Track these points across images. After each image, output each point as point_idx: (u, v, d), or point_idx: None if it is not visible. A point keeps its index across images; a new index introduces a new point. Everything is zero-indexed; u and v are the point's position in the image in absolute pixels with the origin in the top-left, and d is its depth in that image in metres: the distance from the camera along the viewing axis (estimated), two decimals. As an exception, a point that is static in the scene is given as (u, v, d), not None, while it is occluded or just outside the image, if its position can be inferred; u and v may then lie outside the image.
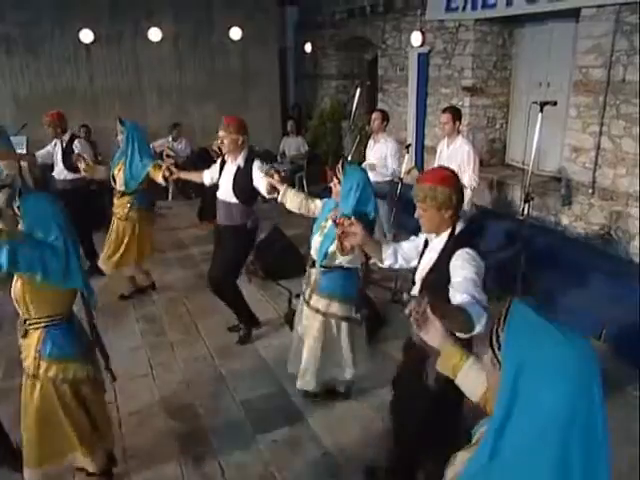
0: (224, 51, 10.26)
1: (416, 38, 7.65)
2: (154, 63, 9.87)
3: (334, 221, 2.73)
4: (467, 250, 2.23)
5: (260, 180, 3.92)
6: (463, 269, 2.16)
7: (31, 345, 2.62)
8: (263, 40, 10.52)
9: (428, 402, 2.41)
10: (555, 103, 4.11)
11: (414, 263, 2.60)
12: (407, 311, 1.66)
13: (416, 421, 2.53)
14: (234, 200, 4.12)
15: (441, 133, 4.94)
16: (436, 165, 4.93)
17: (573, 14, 5.58)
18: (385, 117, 5.41)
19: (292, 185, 8.37)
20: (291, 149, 8.83)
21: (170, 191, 8.91)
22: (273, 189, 3.69)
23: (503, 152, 7.36)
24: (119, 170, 4.97)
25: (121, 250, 5.07)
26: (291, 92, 12.15)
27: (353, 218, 2.64)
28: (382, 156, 5.28)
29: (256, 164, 4.04)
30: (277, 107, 10.94)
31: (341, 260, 3.24)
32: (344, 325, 3.39)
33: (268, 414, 3.61)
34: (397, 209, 5.27)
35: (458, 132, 4.75)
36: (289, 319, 4.77)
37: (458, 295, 2.06)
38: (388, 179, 5.24)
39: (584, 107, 5.39)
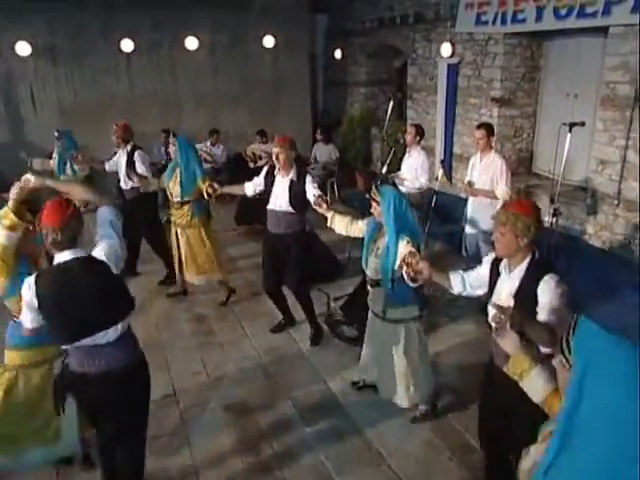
0: (257, 58, 10.64)
1: (446, 49, 7.91)
2: (190, 70, 10.30)
3: (404, 262, 2.97)
4: (552, 275, 2.44)
5: (311, 195, 4.37)
6: (551, 292, 2.40)
7: None
8: (295, 47, 10.86)
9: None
10: (583, 124, 4.37)
11: (480, 292, 2.86)
12: (491, 319, 1.92)
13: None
14: (291, 210, 4.50)
15: (475, 147, 5.21)
16: (468, 177, 5.24)
17: (601, 29, 5.78)
18: (418, 132, 5.71)
19: (324, 190, 8.79)
20: (322, 156, 9.14)
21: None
22: (319, 205, 4.12)
23: (530, 161, 7.59)
24: (174, 182, 5.23)
25: (197, 258, 5.38)
26: (320, 98, 12.46)
27: (418, 257, 2.94)
28: (413, 169, 5.60)
29: (309, 178, 4.49)
30: (308, 112, 11.29)
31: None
32: (412, 327, 3.61)
33: (314, 408, 3.97)
34: (430, 219, 5.57)
35: (491, 147, 5.03)
36: (329, 321, 5.13)
37: (544, 312, 2.36)
38: (418, 190, 5.56)
39: (611, 121, 5.62)
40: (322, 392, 4.17)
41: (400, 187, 5.45)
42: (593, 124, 5.97)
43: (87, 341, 2.54)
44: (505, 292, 2.58)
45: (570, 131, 4.26)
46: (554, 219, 4.56)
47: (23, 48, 9.01)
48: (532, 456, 1.69)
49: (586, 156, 6.23)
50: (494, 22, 7.04)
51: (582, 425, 1.39)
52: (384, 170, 5.85)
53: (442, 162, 5.52)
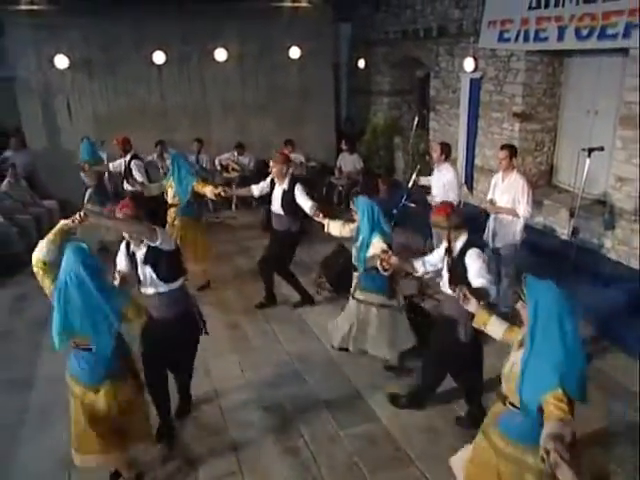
0: (284, 69, 10.93)
1: (469, 63, 8.15)
2: (219, 81, 10.65)
3: (379, 258, 3.99)
4: (474, 249, 3.58)
5: (303, 202, 5.40)
6: (476, 261, 3.51)
7: None
8: (319, 57, 11.07)
9: (465, 347, 3.75)
10: (602, 149, 4.61)
11: (439, 266, 3.91)
12: (456, 295, 3.09)
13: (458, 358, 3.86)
14: (282, 213, 5.64)
15: (498, 166, 5.45)
16: (490, 195, 5.50)
17: (622, 49, 5.95)
18: (444, 150, 5.95)
19: (348, 199, 9.09)
20: (347, 165, 9.44)
21: (234, 202, 9.68)
22: (316, 216, 5.21)
23: (550, 173, 7.81)
24: (169, 186, 6.29)
25: None
26: (344, 106, 12.75)
27: (390, 252, 4.03)
28: (442, 185, 5.87)
29: (298, 188, 5.47)
30: (332, 121, 11.54)
31: (374, 264, 4.23)
32: (382, 311, 4.60)
33: (347, 412, 4.28)
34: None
35: (513, 167, 5.28)
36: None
37: (477, 279, 3.41)
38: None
39: (630, 140, 5.83)
40: (353, 397, 4.48)
41: (431, 203, 5.75)
42: (613, 141, 6.20)
43: None
44: (447, 264, 3.72)
45: (589, 156, 4.50)
46: (573, 237, 4.79)
47: (61, 61, 9.44)
48: (511, 360, 2.66)
49: (605, 171, 6.42)
50: (516, 39, 7.26)
51: (537, 338, 2.40)
52: (410, 185, 6.12)
53: (465, 182, 5.73)
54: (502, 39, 7.54)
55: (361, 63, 11.58)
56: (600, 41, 6.05)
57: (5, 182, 8.30)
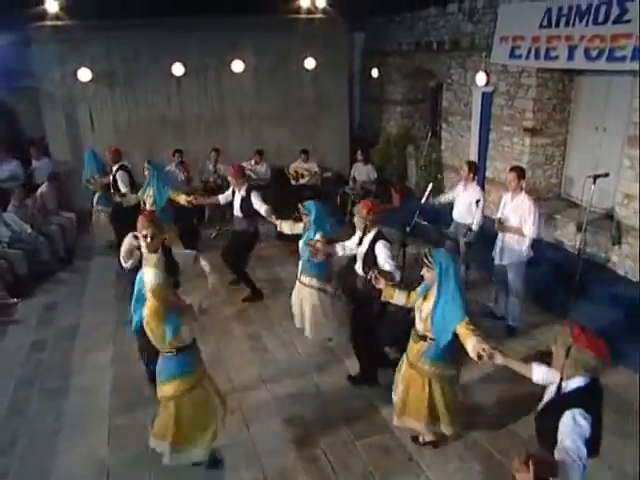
0: (299, 79, 11.14)
1: (481, 78, 8.33)
2: (236, 92, 10.87)
3: (309, 244, 5.08)
4: (382, 241, 4.54)
5: (259, 207, 6.35)
6: (382, 251, 4.49)
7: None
8: (333, 68, 11.23)
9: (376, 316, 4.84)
10: (607, 175, 4.80)
11: (354, 252, 4.91)
12: (369, 276, 4.09)
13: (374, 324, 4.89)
14: (241, 215, 6.57)
15: (507, 187, 5.65)
16: (499, 214, 5.71)
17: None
18: (472, 169, 6.17)
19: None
20: (361, 175, 9.67)
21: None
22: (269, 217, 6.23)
23: (559, 186, 7.99)
24: (147, 196, 6.96)
25: None
26: (357, 113, 12.96)
27: (317, 239, 5.10)
28: (468, 204, 6.11)
29: (253, 194, 6.43)
30: (346, 131, 11.70)
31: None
32: (321, 294, 5.44)
33: (362, 423, 4.55)
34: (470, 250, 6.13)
35: (521, 188, 5.49)
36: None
37: (384, 265, 4.42)
38: (468, 222, 6.10)
39: (637, 159, 6.01)
40: (368, 409, 4.75)
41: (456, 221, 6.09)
42: (621, 158, 6.38)
43: None
44: (362, 252, 4.71)
45: (594, 183, 4.69)
46: (580, 259, 4.98)
47: (84, 74, 9.72)
48: (425, 310, 3.72)
49: (613, 187, 6.57)
50: (527, 57, 7.42)
51: (443, 287, 3.55)
52: (423, 201, 6.33)
53: (477, 202, 5.91)
54: (513, 55, 7.70)
55: (374, 72, 11.75)
56: (609, 62, 6.20)
57: (43, 186, 8.66)
